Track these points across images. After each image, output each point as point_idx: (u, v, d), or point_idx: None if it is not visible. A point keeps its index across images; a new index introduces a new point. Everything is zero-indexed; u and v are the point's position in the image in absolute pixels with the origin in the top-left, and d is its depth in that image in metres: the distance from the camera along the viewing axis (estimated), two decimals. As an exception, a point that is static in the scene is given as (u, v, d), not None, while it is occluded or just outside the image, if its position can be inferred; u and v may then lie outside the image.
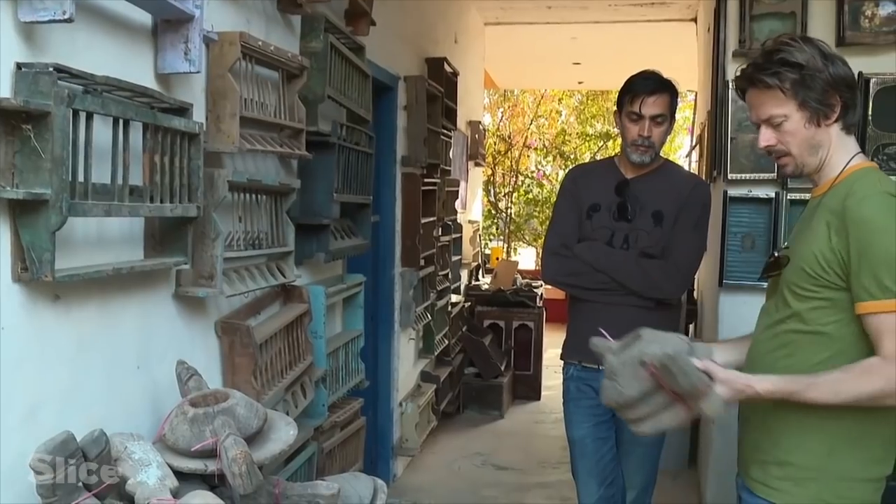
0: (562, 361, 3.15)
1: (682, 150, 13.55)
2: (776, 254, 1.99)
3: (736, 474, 2.08)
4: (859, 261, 1.73)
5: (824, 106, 1.83)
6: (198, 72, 2.15)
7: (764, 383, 1.78)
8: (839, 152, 1.88)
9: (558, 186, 3.34)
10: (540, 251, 3.70)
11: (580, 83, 11.84)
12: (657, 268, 2.89)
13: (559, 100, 14.81)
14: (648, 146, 2.90)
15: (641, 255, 2.92)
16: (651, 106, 2.87)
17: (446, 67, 5.53)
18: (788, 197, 3.80)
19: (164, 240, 2.16)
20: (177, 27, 2.10)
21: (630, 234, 2.94)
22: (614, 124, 16.75)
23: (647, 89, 2.88)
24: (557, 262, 3.03)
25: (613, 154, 3.20)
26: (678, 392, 1.75)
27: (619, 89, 3.01)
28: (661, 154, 3.07)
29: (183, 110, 2.12)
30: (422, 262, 4.98)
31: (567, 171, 3.39)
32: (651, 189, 2.96)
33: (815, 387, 1.75)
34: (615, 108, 3.10)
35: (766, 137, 1.90)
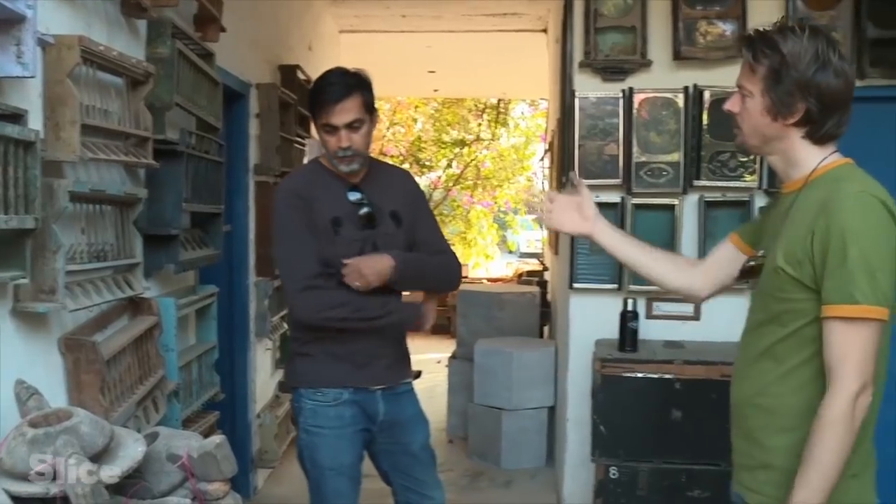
0: (307, 388, 2.78)
1: (535, 156, 13.95)
2: (751, 263, 1.99)
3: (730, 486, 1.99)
4: (835, 263, 1.68)
5: (783, 105, 1.79)
6: (32, 76, 2.05)
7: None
8: (809, 153, 1.84)
9: (276, 205, 2.76)
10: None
11: (435, 91, 11.98)
12: (449, 259, 2.87)
13: (415, 107, 14.95)
14: (353, 155, 2.67)
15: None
16: (340, 114, 2.62)
17: (300, 75, 5.49)
18: (633, 202, 3.99)
19: (0, 253, 2.05)
20: (7, 28, 1.99)
21: (378, 240, 2.72)
22: (467, 131, 16.55)
23: (333, 98, 2.63)
24: (316, 296, 2.62)
25: (315, 159, 2.89)
26: None
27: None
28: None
29: (17, 117, 2.02)
30: (276, 272, 4.90)
31: (280, 186, 2.88)
32: (378, 190, 2.79)
33: (821, 465, 1.67)
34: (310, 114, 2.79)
35: (732, 103, 1.90)
